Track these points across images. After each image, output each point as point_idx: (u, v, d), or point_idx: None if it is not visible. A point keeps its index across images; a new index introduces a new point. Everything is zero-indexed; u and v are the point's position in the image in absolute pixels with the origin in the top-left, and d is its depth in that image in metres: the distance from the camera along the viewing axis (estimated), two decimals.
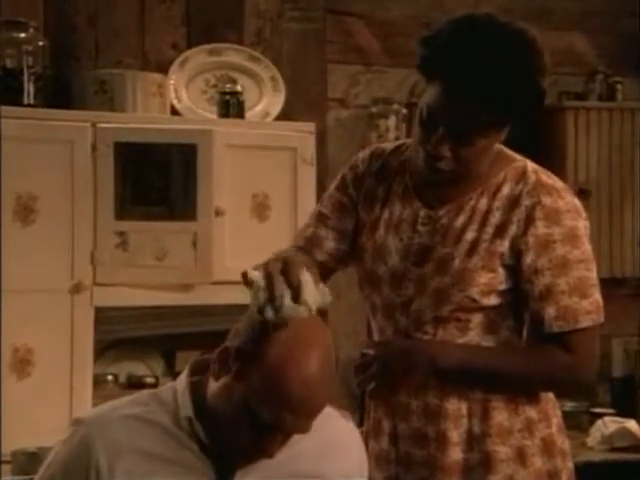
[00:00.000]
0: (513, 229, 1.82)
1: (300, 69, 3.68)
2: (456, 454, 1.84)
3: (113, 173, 3.15)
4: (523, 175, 1.86)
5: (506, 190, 1.84)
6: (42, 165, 3.09)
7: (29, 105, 3.15)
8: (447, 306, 1.83)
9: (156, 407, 1.62)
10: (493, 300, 1.83)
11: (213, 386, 1.57)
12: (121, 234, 3.17)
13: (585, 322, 1.82)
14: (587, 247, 1.85)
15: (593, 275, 1.84)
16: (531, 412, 1.88)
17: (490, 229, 1.83)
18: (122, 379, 3.42)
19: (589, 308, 1.82)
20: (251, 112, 3.50)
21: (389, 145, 1.97)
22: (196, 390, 1.61)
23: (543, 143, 3.66)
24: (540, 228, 1.81)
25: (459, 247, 1.82)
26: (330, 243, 1.93)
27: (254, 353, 1.52)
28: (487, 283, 1.81)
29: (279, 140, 3.36)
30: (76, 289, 3.13)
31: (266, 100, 3.56)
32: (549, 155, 3.52)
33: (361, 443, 1.75)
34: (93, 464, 1.57)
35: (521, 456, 1.85)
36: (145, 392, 1.68)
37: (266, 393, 1.50)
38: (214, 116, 3.43)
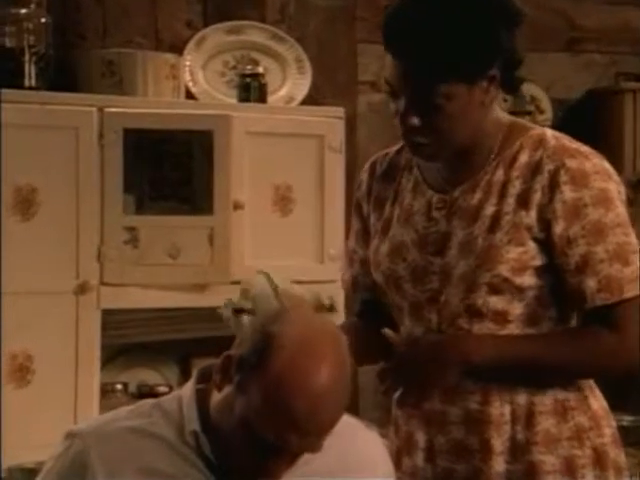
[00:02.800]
0: (537, 197, 1.80)
1: (328, 49, 3.65)
2: (499, 465, 1.81)
3: (122, 163, 3.13)
4: (542, 141, 1.84)
5: (524, 158, 1.83)
6: (44, 154, 3.07)
7: (30, 88, 3.13)
8: (477, 292, 1.79)
9: (159, 419, 1.58)
10: (528, 280, 1.79)
11: (216, 397, 1.54)
12: (131, 230, 3.16)
13: (631, 291, 1.78)
14: (622, 210, 1.81)
15: (633, 240, 1.80)
16: (581, 418, 1.84)
17: (511, 200, 1.81)
18: (132, 388, 3.39)
19: (632, 276, 1.79)
20: (274, 96, 3.48)
21: (393, 148, 2.00)
22: (204, 400, 1.57)
23: (599, 128, 3.61)
24: (567, 193, 1.79)
25: (479, 224, 1.81)
26: (366, 279, 1.96)
27: (255, 363, 1.48)
28: (517, 259, 1.78)
29: (304, 127, 3.34)
30: (81, 289, 3.11)
31: (290, 83, 3.54)
32: (605, 141, 3.46)
33: (388, 459, 1.70)
34: None
35: (570, 467, 1.82)
36: (147, 402, 1.63)
37: (266, 409, 1.45)
38: (233, 100, 3.41)
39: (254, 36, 3.54)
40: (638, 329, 1.78)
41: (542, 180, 1.80)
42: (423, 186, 1.90)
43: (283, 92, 3.52)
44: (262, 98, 3.38)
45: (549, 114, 3.93)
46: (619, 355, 1.80)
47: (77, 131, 3.10)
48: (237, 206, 3.22)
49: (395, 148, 1.98)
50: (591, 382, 1.89)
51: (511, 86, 1.84)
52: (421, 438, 1.86)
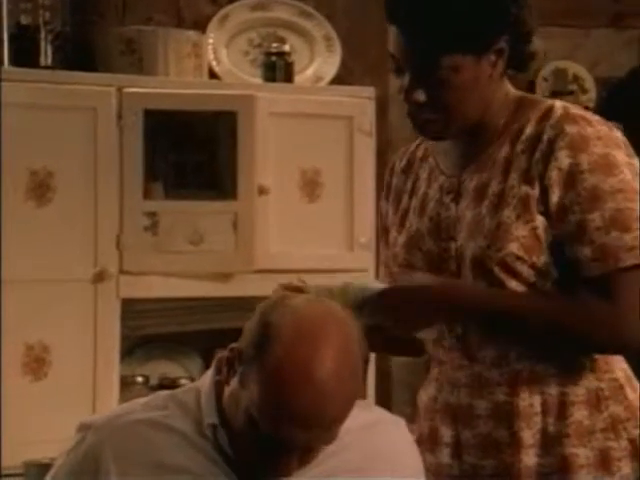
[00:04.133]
0: (538, 168, 1.79)
1: (358, 26, 3.62)
2: (529, 459, 1.79)
3: (142, 145, 3.13)
4: (549, 112, 1.83)
5: (529, 131, 1.82)
6: (60, 136, 3.07)
7: (46, 67, 3.13)
8: (490, 274, 1.78)
9: (175, 411, 1.57)
10: (543, 258, 1.77)
11: (226, 391, 1.54)
12: (151, 215, 3.16)
13: (629, 260, 1.74)
14: (628, 177, 1.77)
15: (636, 206, 1.76)
16: (616, 408, 1.82)
17: (516, 175, 1.80)
18: (153, 381, 3.38)
19: (632, 243, 1.75)
20: (301, 76, 3.47)
21: (414, 143, 2.01)
22: (222, 392, 1.56)
23: None
24: (563, 159, 1.77)
25: (486, 203, 1.81)
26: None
27: (253, 356, 1.47)
28: (527, 236, 1.77)
29: (333, 108, 3.33)
30: (99, 278, 3.11)
31: (318, 62, 3.53)
32: None
33: (416, 452, 1.69)
34: (103, 477, 1.53)
35: (605, 461, 1.80)
36: (163, 393, 1.63)
37: (265, 404, 1.44)
38: (258, 80, 3.41)
39: (280, 12, 3.52)
40: (636, 301, 1.74)
41: (541, 149, 1.79)
42: (437, 172, 1.90)
43: (310, 71, 3.51)
44: (288, 78, 3.37)
45: (592, 94, 3.88)
46: (611, 327, 1.75)
47: (95, 112, 3.10)
48: (262, 191, 3.22)
49: (415, 142, 1.99)
50: (628, 371, 1.87)
51: (520, 62, 1.82)
52: (446, 433, 1.85)
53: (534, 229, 1.77)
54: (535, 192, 1.77)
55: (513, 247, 1.76)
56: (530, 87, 3.69)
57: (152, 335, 3.42)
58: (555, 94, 3.67)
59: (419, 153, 1.96)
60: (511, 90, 1.87)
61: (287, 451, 1.46)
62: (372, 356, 3.29)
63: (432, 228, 1.86)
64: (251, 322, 1.51)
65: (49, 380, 3.07)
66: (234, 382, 1.50)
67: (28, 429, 2.99)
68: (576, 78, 3.86)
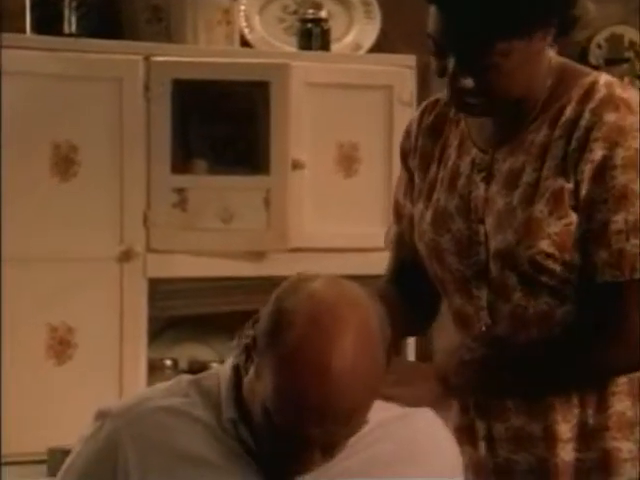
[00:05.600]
0: (574, 158, 1.74)
1: None
2: (567, 454, 1.77)
3: (170, 117, 3.13)
4: (590, 92, 1.77)
5: (569, 113, 1.76)
6: (84, 108, 3.08)
7: (70, 35, 3.13)
8: (518, 271, 1.74)
9: (197, 398, 1.55)
10: (577, 255, 1.73)
11: (245, 381, 1.51)
12: (179, 191, 3.16)
13: None
14: None
15: None
16: None
17: (552, 164, 1.74)
18: (183, 364, 3.39)
19: None
20: (338, 44, 3.46)
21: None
22: (242, 380, 1.52)
23: None
24: (597, 151, 1.72)
25: (518, 193, 1.76)
26: (413, 238, 1.91)
27: (267, 344, 1.43)
28: (560, 232, 1.72)
29: (372, 77, 3.32)
30: (126, 257, 3.12)
31: (356, 29, 3.52)
32: None
33: (454, 443, 1.66)
34: (121, 467, 1.51)
35: None
36: (185, 378, 1.59)
37: (279, 396, 1.41)
38: (293, 48, 3.40)
39: None
40: None
41: (578, 138, 1.73)
42: (469, 142, 1.84)
43: (348, 39, 3.50)
44: (325, 46, 3.36)
45: None
46: (625, 347, 1.71)
47: (121, 82, 3.10)
48: (296, 166, 3.21)
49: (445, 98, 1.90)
50: None
51: (565, 27, 1.75)
52: (481, 426, 1.83)
53: (567, 225, 1.72)
54: (570, 185, 1.73)
55: (544, 245, 1.72)
56: (583, 54, 3.63)
57: (181, 317, 3.43)
58: (609, 62, 3.61)
59: (450, 113, 1.87)
60: (553, 57, 1.80)
61: (307, 445, 1.44)
62: (412, 340, 3.33)
63: (461, 207, 1.81)
64: (266, 307, 1.48)
65: (74, 363, 3.09)
66: (251, 372, 1.48)
67: (52, 414, 3.02)
68: (632, 44, 3.80)
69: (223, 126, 3.23)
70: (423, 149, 1.89)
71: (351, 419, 1.44)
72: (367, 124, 3.30)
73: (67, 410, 3.01)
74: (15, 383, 3.01)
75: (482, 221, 1.79)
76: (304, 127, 3.23)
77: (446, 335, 1.94)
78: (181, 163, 3.18)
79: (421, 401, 1.66)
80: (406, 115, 3.28)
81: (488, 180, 1.79)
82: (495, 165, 1.80)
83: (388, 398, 1.59)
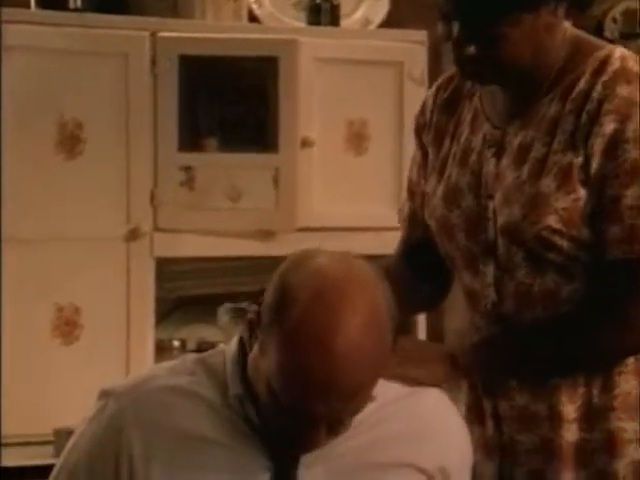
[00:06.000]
0: (584, 132, 1.73)
1: None
2: (572, 434, 1.76)
3: (177, 94, 3.12)
4: (605, 63, 1.76)
5: (581, 87, 1.75)
6: (90, 84, 3.07)
7: (75, 10, 3.12)
8: (525, 247, 1.74)
9: (202, 377, 1.54)
10: (585, 231, 1.72)
11: (250, 358, 1.50)
12: (187, 169, 3.15)
13: None
14: None
15: None
16: None
17: (561, 138, 1.73)
18: (191, 345, 3.39)
19: None
20: (348, 19, 3.45)
21: None
22: (247, 358, 1.52)
23: None
24: (607, 125, 1.70)
25: (527, 167, 1.75)
26: (422, 214, 1.92)
27: (271, 320, 1.43)
28: (567, 208, 1.71)
29: (382, 53, 3.31)
30: (133, 236, 3.12)
31: (367, 4, 3.50)
32: None
33: (462, 422, 1.67)
34: (125, 448, 1.51)
35: None
36: (190, 357, 1.59)
37: (282, 373, 1.40)
38: (302, 24, 3.39)
39: None
40: None
41: (589, 111, 1.72)
42: (482, 117, 1.84)
43: (358, 14, 3.49)
44: (334, 21, 3.35)
45: None
46: (630, 326, 1.70)
47: (127, 58, 3.09)
48: (305, 143, 3.20)
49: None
50: None
51: (581, 3, 1.74)
52: (488, 405, 1.83)
53: (576, 201, 1.71)
54: (579, 160, 1.72)
55: (550, 220, 1.71)
56: (598, 28, 3.60)
57: (190, 297, 3.43)
58: (624, 36, 3.58)
59: (465, 88, 1.88)
60: (568, 29, 1.79)
61: (312, 423, 1.43)
62: (423, 318, 3.32)
63: (472, 183, 1.81)
64: (270, 284, 1.47)
65: (80, 344, 3.09)
66: (255, 349, 1.48)
67: (58, 395, 3.02)
68: None
69: (231, 103, 3.22)
70: (438, 124, 1.90)
71: (356, 396, 1.43)
72: (377, 101, 3.28)
73: (73, 391, 3.00)
74: (21, 363, 3.02)
75: (491, 197, 1.79)
76: (313, 104, 3.22)
77: (457, 316, 1.93)
78: (188, 141, 3.17)
79: (430, 380, 1.65)
80: (417, 92, 3.27)
81: (499, 155, 1.79)
82: (506, 140, 1.79)
83: (396, 377, 1.59)
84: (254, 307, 1.49)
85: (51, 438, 2.96)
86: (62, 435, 2.88)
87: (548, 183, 1.72)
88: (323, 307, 1.40)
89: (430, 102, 1.93)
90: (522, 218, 1.72)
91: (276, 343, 1.41)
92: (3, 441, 2.99)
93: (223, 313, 3.17)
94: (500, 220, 1.76)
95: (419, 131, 1.95)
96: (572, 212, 1.71)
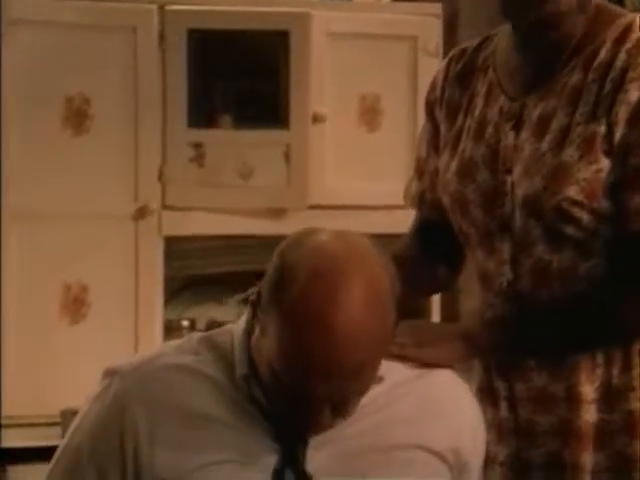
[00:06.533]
0: (607, 101, 1.72)
1: None
2: (590, 415, 1.75)
3: (186, 68, 3.12)
4: (627, 31, 1.75)
5: (603, 55, 1.75)
6: (97, 59, 3.07)
7: None
8: (545, 218, 1.72)
9: (208, 356, 1.53)
10: (606, 203, 1.71)
11: (252, 338, 1.50)
12: (196, 146, 3.15)
13: None
14: None
15: None
16: None
17: (584, 109, 1.73)
18: (200, 325, 3.38)
19: None
20: None
21: (473, 42, 1.93)
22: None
23: None
24: (632, 92, 1.70)
25: (549, 138, 1.74)
26: (435, 196, 1.91)
27: (270, 300, 1.43)
28: (589, 179, 1.70)
29: (396, 27, 3.30)
30: (141, 214, 3.13)
31: None
32: None
33: (474, 402, 1.65)
34: (129, 427, 1.50)
35: None
36: (196, 335, 1.58)
37: (281, 352, 1.40)
38: None
39: None
40: None
41: (612, 79, 1.71)
42: (497, 90, 1.83)
43: None
44: None
45: None
46: None
47: (135, 32, 3.09)
48: (317, 119, 3.20)
49: (475, 42, 1.90)
50: None
51: None
52: (502, 387, 1.82)
53: (598, 171, 1.70)
54: (602, 129, 1.71)
55: (571, 191, 1.70)
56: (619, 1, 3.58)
57: (199, 276, 3.43)
58: None
59: (478, 60, 1.87)
60: None
61: (315, 404, 1.43)
62: (437, 300, 3.31)
63: (488, 157, 1.80)
64: (270, 263, 1.47)
65: (88, 323, 3.10)
66: (257, 329, 1.47)
67: (65, 375, 3.02)
68: None
69: (241, 78, 3.21)
70: (450, 99, 1.89)
71: (358, 375, 1.42)
72: (391, 76, 3.28)
73: (81, 371, 2.99)
74: (28, 343, 3.03)
75: (509, 171, 1.77)
76: (325, 79, 3.22)
77: (472, 297, 1.92)
78: (198, 117, 3.16)
79: (444, 361, 1.65)
80: (431, 66, 3.25)
81: (517, 128, 1.78)
82: (525, 112, 1.78)
83: (409, 359, 1.59)
84: (255, 288, 1.49)
85: (58, 419, 2.96)
86: (69, 416, 2.88)
87: (570, 153, 1.71)
88: (322, 285, 1.39)
89: (441, 77, 1.92)
90: (543, 189, 1.71)
91: (275, 323, 1.40)
92: (9, 422, 2.99)
93: (233, 306, 3.19)
94: (519, 193, 1.75)
95: (430, 108, 1.93)
96: (594, 183, 1.70)
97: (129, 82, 3.09)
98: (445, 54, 3.26)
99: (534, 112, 1.77)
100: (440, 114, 1.90)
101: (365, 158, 3.24)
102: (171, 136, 3.13)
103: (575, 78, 1.75)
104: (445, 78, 1.90)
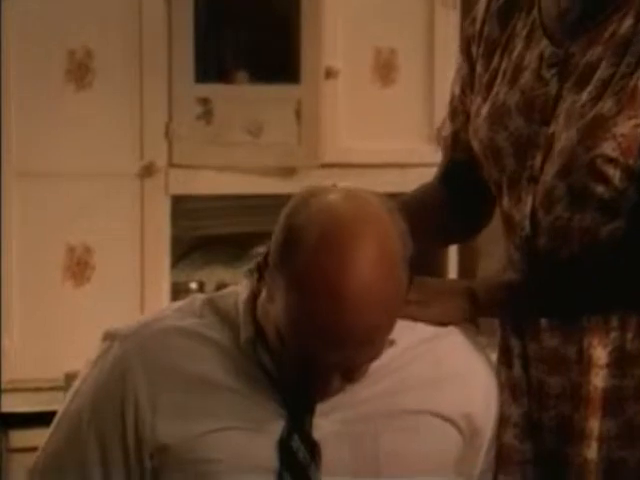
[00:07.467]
0: None
1: None
2: (602, 380, 1.72)
3: (192, 21, 3.11)
4: None
5: None
6: (100, 10, 3.06)
7: None
8: (575, 174, 1.69)
9: (212, 319, 1.52)
10: None
11: (259, 301, 1.48)
12: (204, 102, 3.14)
13: None
14: None
15: None
16: None
17: (631, 59, 1.68)
18: (210, 288, 3.38)
19: None
20: None
21: None
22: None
23: None
24: None
25: (590, 89, 1.70)
26: (468, 136, 1.86)
27: (277, 263, 1.41)
28: (628, 134, 1.66)
29: None
30: (147, 172, 3.12)
31: None
32: None
33: (487, 368, 1.65)
34: (130, 392, 1.50)
35: None
36: (199, 297, 1.56)
37: (289, 318, 1.38)
38: None
39: None
40: None
41: None
42: (539, 33, 1.78)
43: None
44: None
45: None
46: None
47: None
48: (329, 74, 3.20)
49: None
50: None
51: None
52: (516, 345, 1.80)
53: (637, 127, 1.66)
54: None
55: (607, 147, 1.67)
56: None
57: (208, 237, 3.44)
58: None
59: None
60: None
61: (324, 370, 1.42)
62: (454, 261, 3.30)
63: (523, 104, 1.76)
64: (277, 225, 1.45)
65: (92, 285, 3.11)
66: (264, 293, 1.46)
67: (69, 339, 3.03)
68: None
69: (250, 31, 3.21)
70: (489, 35, 1.84)
71: (370, 341, 1.41)
72: (406, 28, 3.27)
73: (85, 335, 2.97)
74: (31, 305, 3.04)
75: (546, 122, 1.74)
76: (338, 31, 3.21)
77: (492, 260, 1.90)
78: (205, 71, 3.16)
79: (447, 320, 1.64)
80: (449, 18, 3.27)
81: (562, 77, 1.74)
82: (570, 60, 1.74)
83: (415, 318, 1.57)
84: (262, 249, 1.47)
85: (62, 383, 2.96)
86: (73, 380, 2.88)
87: (610, 106, 1.68)
88: (331, 250, 1.37)
89: (482, 10, 1.87)
90: (577, 142, 1.68)
91: (283, 288, 1.39)
92: (12, 386, 3.00)
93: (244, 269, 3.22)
94: (557, 146, 1.71)
95: (467, 43, 1.89)
96: (631, 140, 1.66)
97: (134, 35, 3.08)
98: (463, 6, 3.25)
99: (580, 60, 1.73)
100: (477, 51, 1.86)
101: (379, 115, 3.24)
102: (177, 91, 3.12)
103: (626, 25, 1.70)
104: (487, 11, 1.85)
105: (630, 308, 1.72)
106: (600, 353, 1.72)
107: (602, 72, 1.70)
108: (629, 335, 1.72)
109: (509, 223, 1.80)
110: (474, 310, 1.70)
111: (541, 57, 1.76)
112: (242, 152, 3.17)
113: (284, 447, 1.47)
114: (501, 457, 1.69)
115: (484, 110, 1.79)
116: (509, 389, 1.77)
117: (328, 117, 3.21)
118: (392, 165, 3.21)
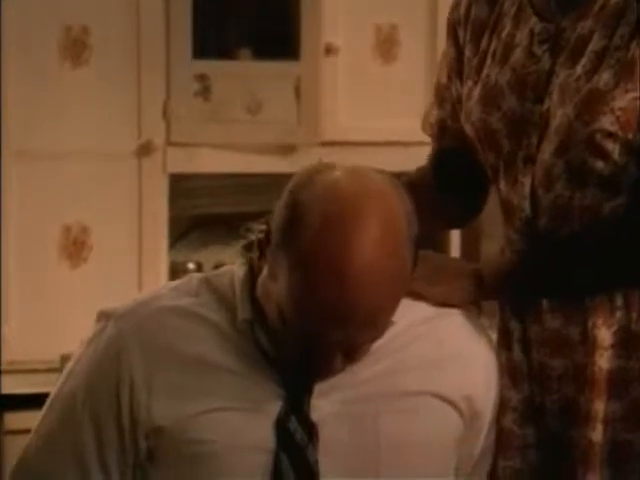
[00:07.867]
0: None
1: None
2: (607, 362, 1.71)
3: None
4: None
5: None
6: None
7: None
8: (572, 151, 1.68)
9: (209, 298, 1.52)
10: None
11: (259, 280, 1.49)
12: (202, 78, 3.15)
13: None
14: None
15: None
16: None
17: (625, 30, 1.68)
18: (208, 268, 3.38)
19: None
20: None
21: None
22: (257, 280, 1.51)
23: None
24: None
25: (584, 62, 1.69)
26: (457, 125, 1.86)
27: (280, 241, 1.41)
28: (626, 108, 1.65)
29: None
30: (144, 150, 3.12)
31: None
32: None
33: (488, 350, 1.66)
34: (125, 373, 1.50)
35: None
36: (195, 277, 1.56)
37: (292, 297, 1.39)
38: None
39: None
40: None
41: None
42: (528, 11, 1.77)
43: None
44: None
45: None
46: None
47: None
48: (330, 50, 3.20)
49: None
50: None
51: None
52: (516, 328, 1.79)
53: (635, 99, 1.66)
54: None
55: (605, 121, 1.66)
56: None
57: (206, 216, 3.44)
58: None
59: None
60: None
61: (326, 350, 1.42)
62: (457, 242, 3.29)
63: (515, 83, 1.75)
64: (280, 202, 1.45)
65: (89, 266, 3.11)
66: (265, 271, 1.46)
67: (65, 320, 3.03)
68: None
69: (249, 5, 3.21)
70: (476, 18, 1.83)
71: (374, 320, 1.41)
72: (408, 3, 3.27)
73: (82, 316, 2.96)
74: (26, 286, 3.04)
75: (540, 100, 1.73)
76: (338, 7, 3.21)
77: (495, 242, 1.90)
78: (203, 47, 3.16)
79: (451, 300, 1.64)
80: None
81: (554, 52, 1.73)
82: (562, 35, 1.73)
83: (417, 296, 1.57)
84: (263, 226, 1.47)
85: (58, 365, 2.96)
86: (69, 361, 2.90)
87: (606, 79, 1.67)
88: (336, 229, 1.38)
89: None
90: (574, 118, 1.67)
91: (286, 266, 1.39)
92: (9, 368, 3.00)
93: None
94: (554, 123, 1.70)
95: (453, 28, 1.87)
96: (630, 113, 1.66)
97: (131, 10, 3.07)
98: None
99: (572, 35, 1.72)
100: (465, 35, 1.84)
101: (380, 92, 3.23)
102: (175, 68, 3.12)
103: None
104: None
105: (632, 285, 1.72)
106: (605, 334, 1.72)
107: (595, 44, 1.69)
108: (634, 315, 1.72)
109: (507, 207, 1.79)
110: (479, 293, 1.70)
111: (531, 34, 1.75)
112: (241, 130, 3.17)
113: (281, 428, 1.47)
114: (500, 441, 1.69)
115: (475, 92, 1.78)
116: (508, 373, 1.77)
117: (328, 94, 3.21)
118: (393, 143, 3.21)
